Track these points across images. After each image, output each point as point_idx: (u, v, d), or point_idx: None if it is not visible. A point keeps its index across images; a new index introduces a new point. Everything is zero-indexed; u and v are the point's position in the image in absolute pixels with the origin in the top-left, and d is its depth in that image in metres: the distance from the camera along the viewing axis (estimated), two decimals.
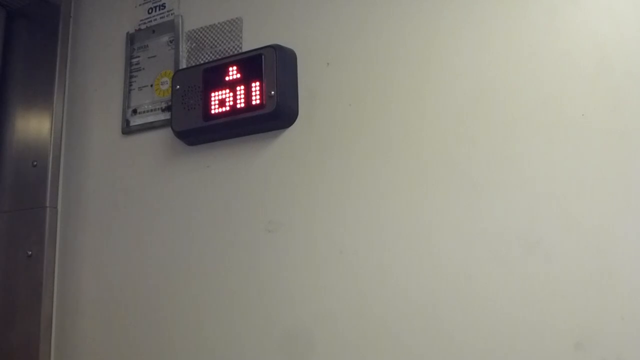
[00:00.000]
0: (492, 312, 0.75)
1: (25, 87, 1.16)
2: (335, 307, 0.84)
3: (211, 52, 1.03)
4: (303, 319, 0.86)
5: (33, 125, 1.13)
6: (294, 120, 0.93)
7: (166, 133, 1.03)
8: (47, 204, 1.08)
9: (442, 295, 0.78)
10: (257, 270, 0.91)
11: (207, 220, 0.96)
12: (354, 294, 0.83)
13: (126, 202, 1.05)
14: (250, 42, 0.99)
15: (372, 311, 0.81)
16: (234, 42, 1.01)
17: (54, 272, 1.06)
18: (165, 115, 1.04)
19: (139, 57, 1.10)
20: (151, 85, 1.07)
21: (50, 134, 1.10)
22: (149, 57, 1.09)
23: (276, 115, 0.89)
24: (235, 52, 1.00)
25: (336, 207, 0.87)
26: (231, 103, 0.92)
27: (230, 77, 0.92)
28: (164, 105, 1.05)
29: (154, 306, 0.98)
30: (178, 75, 0.99)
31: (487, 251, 0.76)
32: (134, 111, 1.08)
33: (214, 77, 0.94)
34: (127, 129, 1.08)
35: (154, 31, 1.10)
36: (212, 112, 0.93)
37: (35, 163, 1.10)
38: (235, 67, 0.92)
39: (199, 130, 0.95)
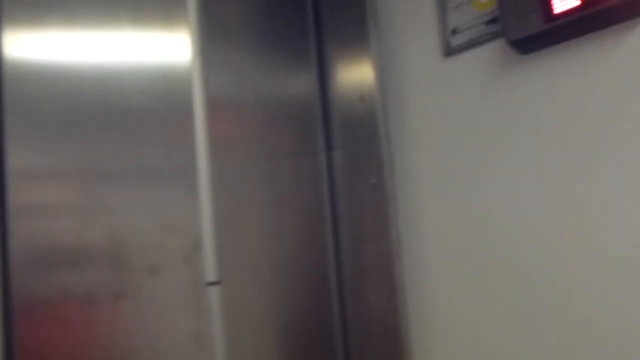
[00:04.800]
0: None
1: (338, 27, 1.24)
2: None
3: None
4: None
5: (354, 64, 1.20)
6: None
7: (494, 46, 0.98)
8: (380, 134, 1.15)
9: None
10: None
11: (574, 144, 0.89)
12: None
13: (458, 129, 1.05)
14: None
15: None
16: None
17: (395, 198, 1.14)
18: (490, 28, 0.98)
19: None
20: (469, 1, 1.03)
21: (373, 69, 1.16)
22: None
23: None
24: None
25: None
26: None
27: None
28: (486, 18, 1.00)
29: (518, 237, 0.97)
30: None
31: None
32: (453, 31, 1.06)
33: None
34: (449, 50, 1.06)
35: None
36: (555, 12, 0.84)
37: (363, 99, 1.18)
38: None
39: (540, 35, 0.87)
